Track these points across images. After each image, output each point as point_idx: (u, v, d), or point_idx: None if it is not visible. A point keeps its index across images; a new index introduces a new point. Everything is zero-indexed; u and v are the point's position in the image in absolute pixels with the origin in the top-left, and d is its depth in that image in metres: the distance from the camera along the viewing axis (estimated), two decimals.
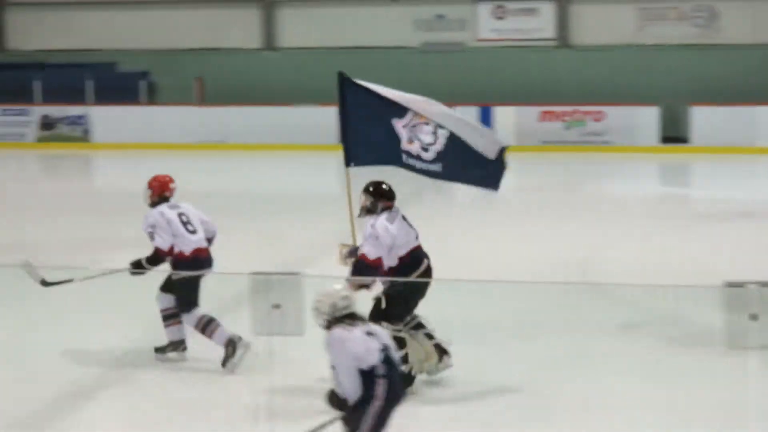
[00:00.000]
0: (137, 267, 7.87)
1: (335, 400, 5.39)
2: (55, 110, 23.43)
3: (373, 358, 5.31)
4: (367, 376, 5.28)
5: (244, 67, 23.89)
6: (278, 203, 16.43)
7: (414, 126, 7.94)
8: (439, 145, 7.86)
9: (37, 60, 24.78)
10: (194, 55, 24.17)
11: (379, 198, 7.51)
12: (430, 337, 7.50)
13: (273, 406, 7.14)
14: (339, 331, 5.37)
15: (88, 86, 23.35)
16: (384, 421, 5.34)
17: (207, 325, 7.96)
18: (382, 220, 7.39)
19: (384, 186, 7.57)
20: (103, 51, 24.65)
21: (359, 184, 7.71)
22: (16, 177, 20.47)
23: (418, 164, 7.97)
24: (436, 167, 7.92)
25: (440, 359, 7.45)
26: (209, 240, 8.22)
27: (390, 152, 8.04)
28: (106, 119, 23.23)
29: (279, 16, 24.59)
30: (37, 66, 24.51)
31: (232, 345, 7.84)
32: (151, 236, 8.08)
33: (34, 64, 24.63)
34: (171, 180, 8.35)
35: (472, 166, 7.81)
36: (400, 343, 7.13)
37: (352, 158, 8.20)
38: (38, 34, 25.23)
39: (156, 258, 7.95)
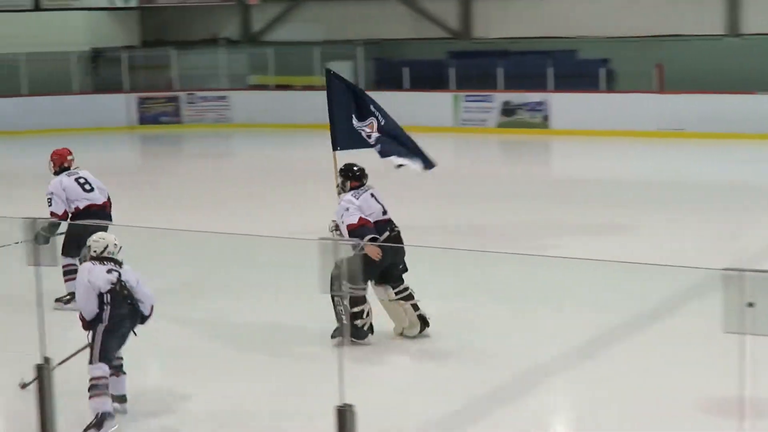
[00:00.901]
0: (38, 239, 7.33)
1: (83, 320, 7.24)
2: (516, 97, 24.64)
3: (105, 289, 7.15)
4: (100, 302, 7.12)
5: (705, 54, 23.72)
6: (732, 195, 16.34)
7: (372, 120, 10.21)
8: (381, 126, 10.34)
9: (501, 48, 26.14)
10: (654, 42, 24.41)
11: (347, 178, 9.19)
12: (416, 308, 9.05)
13: None
14: (89, 264, 7.31)
15: (549, 73, 24.29)
16: (108, 340, 7.12)
17: (67, 273, 9.91)
18: (348, 196, 9.03)
19: (354, 168, 9.23)
20: (564, 39, 25.54)
21: None
22: (476, 161, 21.84)
23: (374, 142, 10.30)
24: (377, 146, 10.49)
25: (421, 329, 9.04)
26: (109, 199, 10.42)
27: (359, 137, 10.20)
28: (565, 106, 24.10)
29: (743, 2, 24.21)
30: (501, 53, 25.87)
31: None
32: (49, 202, 10.12)
33: (498, 51, 26.04)
34: (69, 152, 10.58)
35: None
36: (360, 300, 8.79)
37: (337, 144, 10.32)
38: (503, 22, 26.67)
39: (51, 226, 7.60)
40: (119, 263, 7.36)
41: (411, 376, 8.46)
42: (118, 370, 7.29)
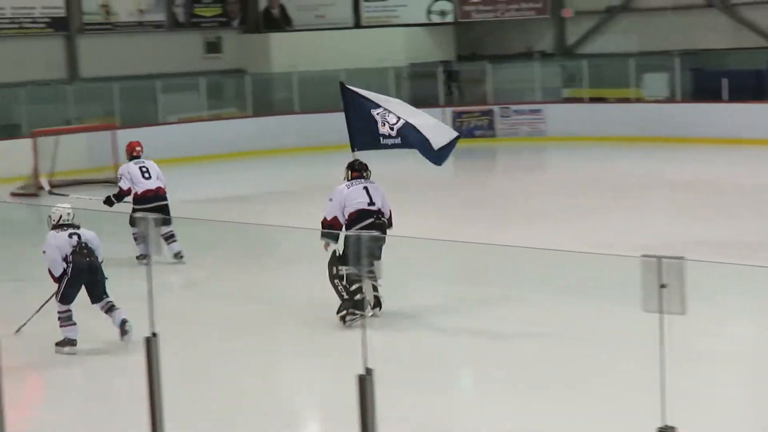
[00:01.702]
0: (107, 201, 14.04)
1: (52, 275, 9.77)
2: None
3: (67, 251, 9.68)
4: (65, 260, 9.64)
5: None
6: None
7: (384, 113, 11.19)
8: (400, 125, 11.06)
9: None
10: None
11: (349, 170, 10.95)
12: (375, 289, 10.55)
13: None
14: (53, 232, 9.81)
15: None
16: (68, 288, 9.68)
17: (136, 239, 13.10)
18: (341, 186, 10.73)
19: (356, 162, 11.00)
20: None
21: None
22: None
23: (389, 142, 11.20)
24: (397, 140, 11.16)
25: (373, 308, 10.22)
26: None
27: (373, 139, 11.26)
28: None
29: None
30: None
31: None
32: (119, 180, 13.90)
33: None
34: (138, 144, 14.30)
35: (420, 144, 11.07)
36: (356, 278, 10.13)
37: (355, 146, 11.33)
38: None
39: (119, 195, 13.91)
40: (76, 227, 9.90)
41: None
42: (111, 309, 9.84)
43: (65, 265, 9.69)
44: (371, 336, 5.13)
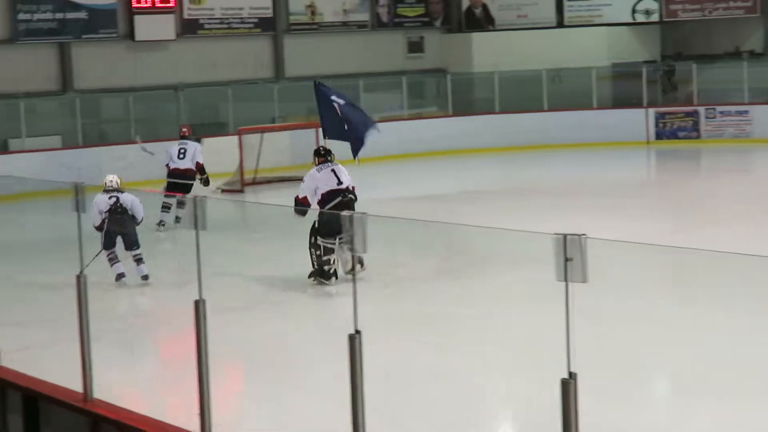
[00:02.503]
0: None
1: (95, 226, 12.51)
2: None
3: (106, 207, 12.56)
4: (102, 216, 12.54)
5: None
6: None
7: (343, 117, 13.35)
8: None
9: None
10: None
11: (315, 156, 12.92)
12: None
13: None
14: (99, 194, 12.54)
15: None
16: (106, 237, 12.51)
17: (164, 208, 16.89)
18: (312, 170, 12.71)
19: (320, 148, 13.04)
20: None
21: None
22: None
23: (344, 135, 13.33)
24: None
25: (353, 267, 10.31)
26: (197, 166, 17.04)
27: (341, 133, 13.33)
28: None
29: None
30: None
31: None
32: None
33: None
34: (184, 126, 17.90)
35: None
36: (328, 250, 12.10)
37: (326, 135, 13.54)
38: None
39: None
40: (119, 191, 12.72)
41: None
42: (138, 261, 12.66)
43: (102, 218, 12.59)
44: (576, 340, 5.06)
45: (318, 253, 12.24)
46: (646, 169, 26.01)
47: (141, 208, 12.87)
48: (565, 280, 4.92)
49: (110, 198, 12.69)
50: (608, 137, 26.86)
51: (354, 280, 5.77)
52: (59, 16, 24.97)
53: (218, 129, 25.30)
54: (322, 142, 13.91)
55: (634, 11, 30.10)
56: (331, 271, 12.27)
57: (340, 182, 12.56)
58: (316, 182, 12.52)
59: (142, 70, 26.05)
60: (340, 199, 12.47)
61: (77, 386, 7.62)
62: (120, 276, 12.72)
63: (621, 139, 26.96)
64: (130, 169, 21.60)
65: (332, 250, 12.12)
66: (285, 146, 23.37)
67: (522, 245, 10.55)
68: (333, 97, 13.61)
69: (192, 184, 16.88)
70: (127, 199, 12.72)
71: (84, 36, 25.36)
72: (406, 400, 8.18)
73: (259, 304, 12.05)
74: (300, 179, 22.14)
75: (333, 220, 11.68)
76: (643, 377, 8.94)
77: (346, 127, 13.29)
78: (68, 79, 25.21)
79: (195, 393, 6.67)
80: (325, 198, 12.49)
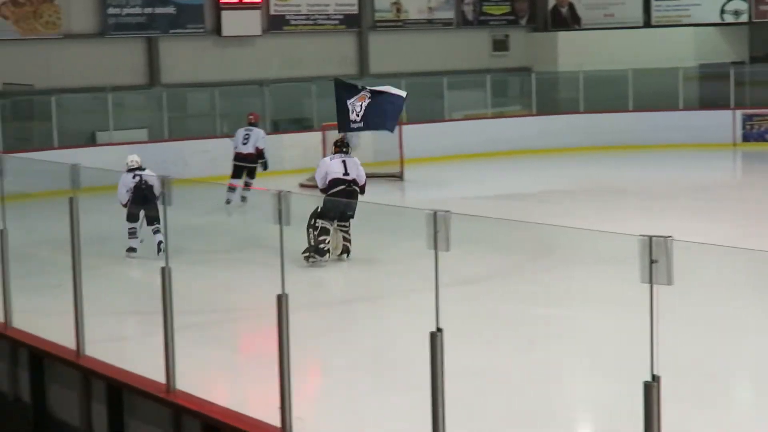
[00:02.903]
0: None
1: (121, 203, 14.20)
2: None
3: (131, 185, 14.05)
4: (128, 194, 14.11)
5: None
6: None
7: (355, 102, 14.86)
8: (363, 111, 14.76)
9: None
10: None
11: (334, 146, 14.40)
12: (345, 239, 13.78)
13: None
14: (124, 173, 14.13)
15: None
16: (130, 211, 14.09)
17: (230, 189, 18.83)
18: (326, 158, 14.49)
19: (338, 141, 14.44)
20: None
21: None
22: None
23: (355, 126, 14.95)
24: (360, 125, 14.91)
25: (341, 253, 13.64)
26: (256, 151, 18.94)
27: (347, 124, 14.91)
28: None
29: None
30: None
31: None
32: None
33: None
34: (251, 114, 19.62)
35: (378, 115, 14.79)
36: (325, 231, 13.50)
37: (341, 129, 15.13)
38: None
39: None
40: (142, 169, 14.23)
41: None
42: (156, 232, 13.84)
43: (129, 196, 14.11)
44: (660, 344, 5.01)
45: (315, 233, 13.53)
46: (732, 172, 25.60)
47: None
48: (650, 282, 4.88)
49: (134, 177, 14.18)
50: (694, 138, 26.50)
51: (436, 279, 5.76)
52: (148, 10, 25.32)
53: (302, 125, 25.46)
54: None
55: (722, 11, 29.63)
56: (325, 249, 13.57)
57: (346, 173, 13.91)
58: (326, 168, 14.01)
59: (228, 65, 26.30)
60: (343, 188, 13.86)
61: (161, 377, 7.72)
62: (131, 250, 14.23)
63: (707, 141, 26.58)
64: (213, 163, 21.86)
65: (328, 231, 13.59)
66: (368, 143, 23.40)
67: (605, 246, 10.44)
68: (348, 101, 15.13)
69: (255, 167, 19.19)
70: (150, 176, 14.04)
71: (172, 31, 25.68)
72: (485, 399, 8.15)
73: (340, 300, 12.10)
74: (383, 176, 22.53)
75: (334, 205, 13.50)
76: (726, 382, 8.81)
77: (356, 120, 14.97)
78: (155, 73, 25.55)
79: (276, 386, 6.72)
80: (330, 184, 13.92)
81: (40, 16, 24.08)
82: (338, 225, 13.71)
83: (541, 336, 10.22)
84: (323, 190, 14.01)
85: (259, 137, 19.16)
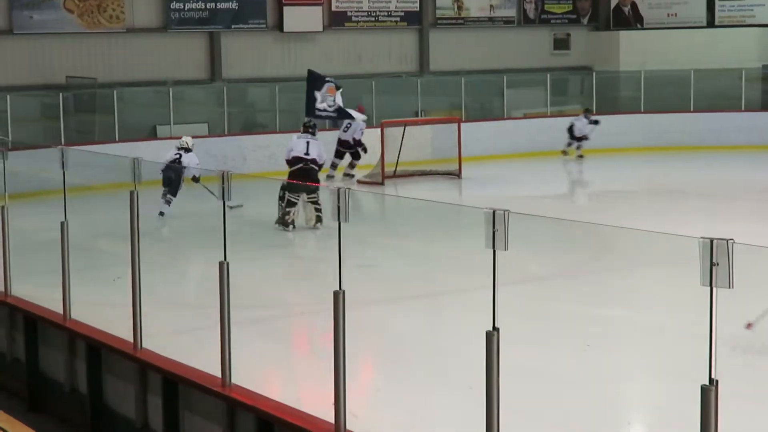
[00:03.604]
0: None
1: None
2: None
3: (170, 158, 17.26)
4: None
5: None
6: None
7: (326, 91, 19.87)
8: (336, 104, 20.28)
9: None
10: None
11: (302, 127, 16.82)
12: (317, 210, 15.83)
13: None
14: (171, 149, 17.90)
15: None
16: (164, 177, 17.10)
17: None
18: (294, 136, 16.65)
19: (305, 122, 17.01)
20: None
21: None
22: None
23: (324, 114, 20.28)
24: (333, 114, 20.50)
25: (315, 223, 15.82)
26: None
27: (314, 110, 19.95)
28: None
29: None
30: None
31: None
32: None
33: None
34: (360, 105, 21.84)
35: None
36: (291, 203, 15.69)
37: (308, 113, 19.58)
38: None
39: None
40: (187, 150, 17.21)
41: None
42: (168, 202, 16.86)
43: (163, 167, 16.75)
44: (719, 352, 4.93)
45: (283, 204, 15.60)
46: None
47: (195, 167, 16.85)
48: (711, 285, 4.80)
49: (176, 154, 17.25)
50: (756, 140, 26.17)
51: (494, 278, 5.71)
52: (210, 5, 25.48)
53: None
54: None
55: None
56: (289, 220, 15.71)
57: (307, 152, 16.06)
58: (292, 146, 16.33)
59: (290, 61, 26.40)
60: (301, 166, 16.06)
61: (216, 371, 7.75)
62: (161, 213, 16.88)
63: None
64: (272, 159, 21.94)
65: (294, 204, 15.68)
66: (426, 140, 23.37)
67: (666, 247, 10.32)
68: (316, 90, 19.89)
69: (357, 152, 22.10)
70: (186, 157, 17.15)
71: (234, 26, 25.82)
72: (541, 400, 8.08)
73: (397, 297, 12.08)
74: (441, 173, 22.52)
75: (298, 181, 15.80)
76: None
77: (327, 108, 20.06)
78: (217, 68, 25.71)
79: (330, 382, 6.71)
80: (291, 162, 16.21)
81: (104, 9, 24.33)
82: (308, 198, 15.76)
83: (598, 337, 10.12)
84: (288, 163, 16.34)
85: (357, 129, 22.00)
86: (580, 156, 25.14)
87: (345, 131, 22.04)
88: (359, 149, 22.10)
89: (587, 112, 25.84)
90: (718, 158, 24.97)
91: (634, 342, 9.85)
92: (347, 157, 22.31)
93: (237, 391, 7.59)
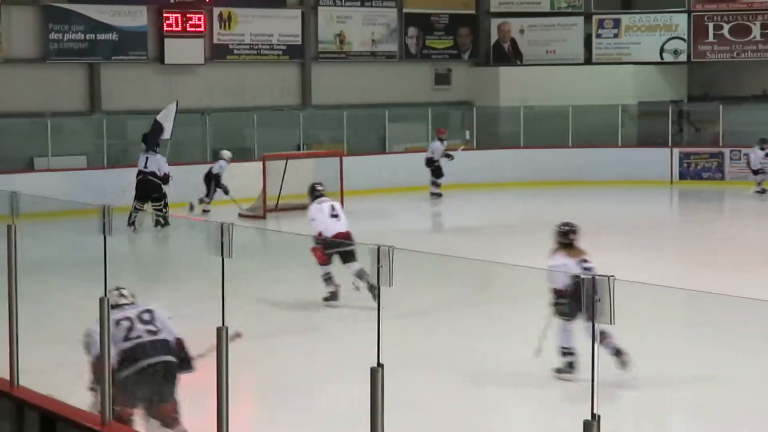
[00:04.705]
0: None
1: None
2: None
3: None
4: None
5: None
6: None
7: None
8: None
9: None
10: None
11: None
12: (158, 215, 19.22)
13: None
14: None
15: None
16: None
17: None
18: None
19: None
20: None
21: None
22: None
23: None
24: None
25: (156, 225, 18.94)
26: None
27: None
28: None
29: None
30: None
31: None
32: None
33: None
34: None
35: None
36: (135, 209, 18.87)
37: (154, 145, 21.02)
38: None
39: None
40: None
41: None
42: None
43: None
44: (600, 380, 5.03)
45: (133, 212, 19.24)
46: (669, 209, 25.91)
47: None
48: (592, 321, 4.89)
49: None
50: (632, 175, 26.82)
51: (378, 312, 5.73)
52: (90, 36, 25.13)
53: (243, 154, 25.37)
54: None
55: (662, 50, 30.07)
56: (131, 221, 19.09)
57: (146, 166, 19.98)
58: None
59: (170, 93, 26.12)
60: (141, 177, 20.08)
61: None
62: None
63: (645, 178, 26.92)
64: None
65: (138, 210, 19.34)
66: (309, 174, 23.36)
67: (539, 281, 10.48)
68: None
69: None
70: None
71: (114, 57, 25.51)
72: None
73: (280, 331, 12.02)
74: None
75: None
76: (663, 417, 8.86)
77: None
78: (96, 100, 25.34)
79: (214, 418, 6.65)
80: (137, 174, 20.03)
81: None
82: (153, 206, 19.57)
83: (480, 371, 10.22)
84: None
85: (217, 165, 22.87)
86: (763, 191, 25.14)
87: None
88: (217, 187, 22.52)
89: (763, 142, 25.40)
90: (595, 193, 25.50)
91: (516, 374, 9.99)
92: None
93: (116, 429, 7.46)
